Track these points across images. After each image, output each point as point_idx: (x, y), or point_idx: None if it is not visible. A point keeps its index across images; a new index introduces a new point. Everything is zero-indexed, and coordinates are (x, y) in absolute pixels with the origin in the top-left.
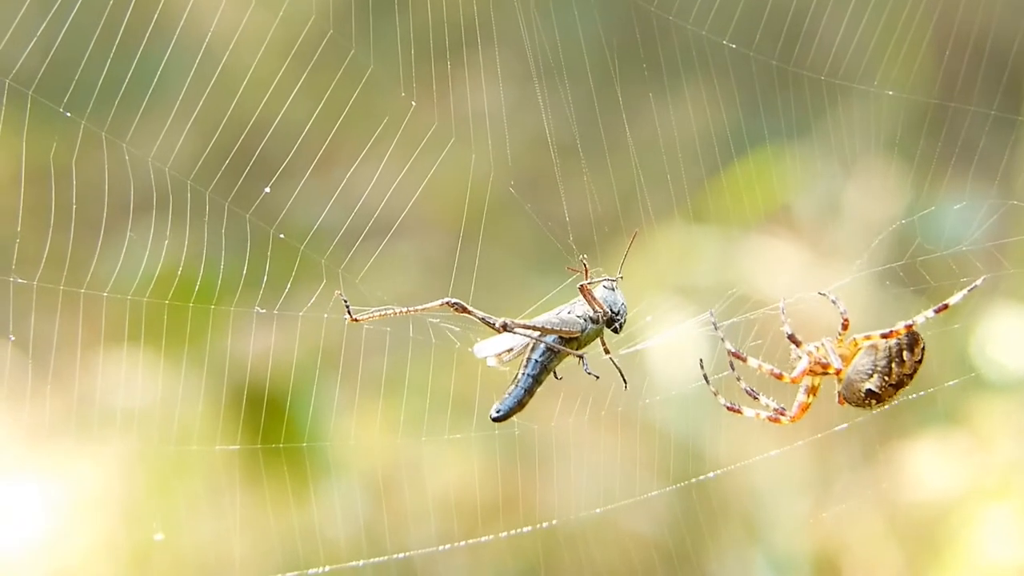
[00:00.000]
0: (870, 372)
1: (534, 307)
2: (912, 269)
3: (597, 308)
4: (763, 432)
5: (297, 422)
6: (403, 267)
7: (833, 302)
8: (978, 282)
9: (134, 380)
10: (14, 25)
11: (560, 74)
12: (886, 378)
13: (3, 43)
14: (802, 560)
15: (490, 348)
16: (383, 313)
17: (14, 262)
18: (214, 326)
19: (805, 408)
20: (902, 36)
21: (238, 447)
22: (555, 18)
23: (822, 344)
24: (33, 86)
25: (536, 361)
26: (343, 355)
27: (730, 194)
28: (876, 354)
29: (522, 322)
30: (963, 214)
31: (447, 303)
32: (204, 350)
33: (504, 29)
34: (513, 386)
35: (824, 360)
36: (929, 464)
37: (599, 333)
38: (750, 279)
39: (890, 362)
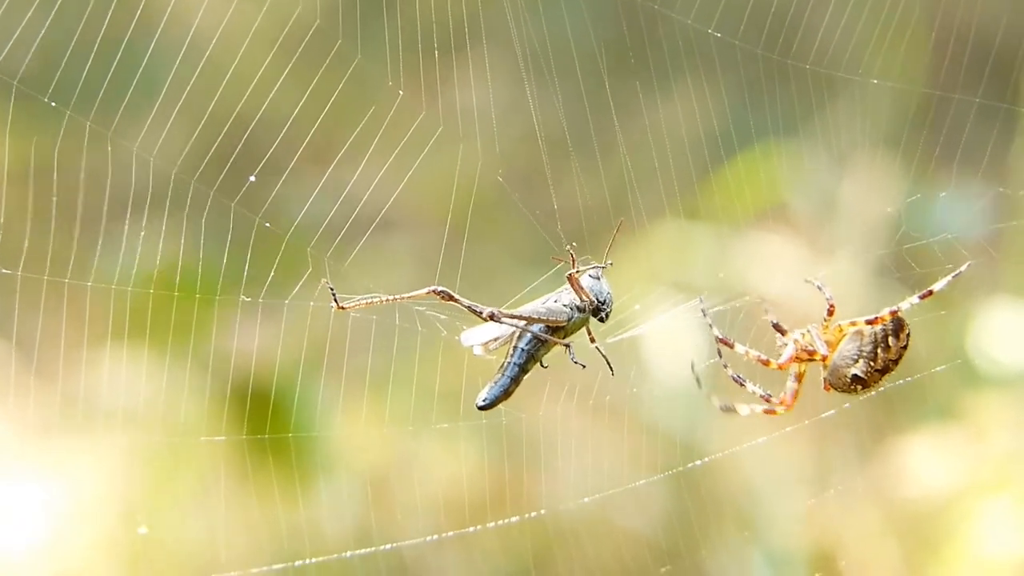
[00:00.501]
0: (856, 358)
1: (518, 296)
2: (899, 257)
3: (584, 297)
4: (752, 423)
5: (287, 415)
6: (391, 260)
7: (819, 288)
8: (962, 268)
9: (119, 374)
10: None
11: (548, 65)
12: (872, 363)
13: None
14: (798, 556)
15: (476, 337)
16: (369, 301)
17: None
18: (200, 317)
19: (795, 395)
20: (886, 25)
21: (224, 438)
22: (542, 9)
23: (808, 331)
24: (17, 76)
25: (522, 350)
26: (328, 344)
27: (722, 190)
28: (861, 340)
29: (509, 312)
30: (949, 202)
31: (433, 291)
32: (189, 342)
33: (491, 21)
34: (499, 375)
35: (810, 347)
36: (925, 459)
37: (585, 322)
38: (744, 274)
39: (875, 348)
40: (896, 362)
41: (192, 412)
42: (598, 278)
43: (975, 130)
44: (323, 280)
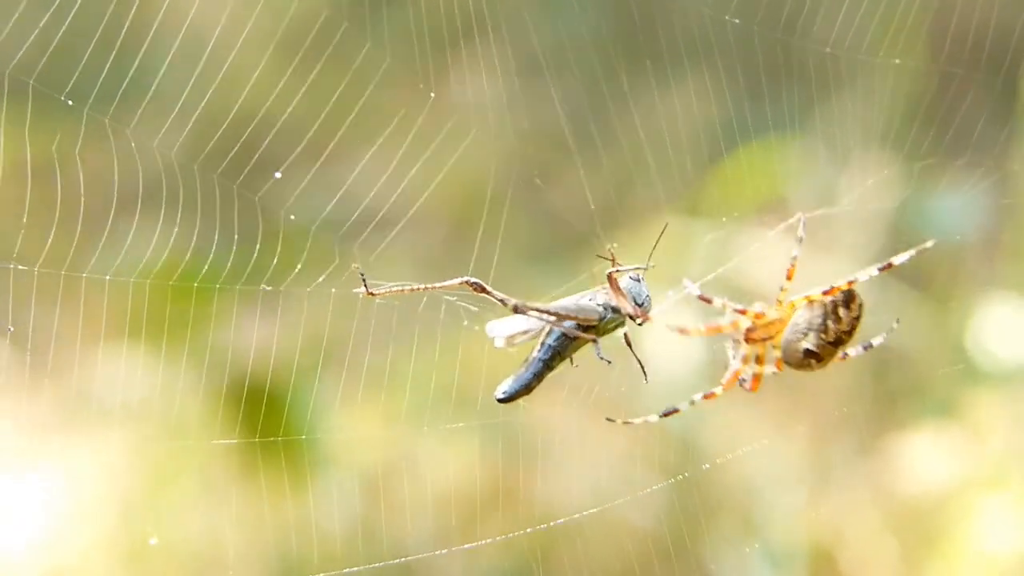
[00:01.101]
0: (805, 331)
1: (553, 295)
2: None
3: (620, 299)
4: (755, 424)
5: (295, 414)
6: (410, 259)
7: (799, 239)
8: (927, 244)
9: (125, 371)
10: (15, 17)
11: (554, 61)
12: (822, 335)
13: (2, 35)
14: (798, 552)
15: (502, 329)
16: (400, 288)
17: (15, 252)
18: (215, 311)
19: (758, 379)
20: (904, 15)
21: (235, 440)
22: (550, 4)
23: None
24: (33, 76)
25: (549, 346)
26: (351, 337)
27: (722, 184)
28: (811, 312)
29: (536, 305)
30: (952, 183)
31: (466, 282)
32: (202, 338)
33: (500, 16)
34: (523, 369)
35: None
36: (925, 456)
37: (619, 324)
38: (746, 269)
39: (826, 319)
40: (849, 333)
41: (198, 411)
42: (638, 280)
43: (989, 119)
44: (353, 265)
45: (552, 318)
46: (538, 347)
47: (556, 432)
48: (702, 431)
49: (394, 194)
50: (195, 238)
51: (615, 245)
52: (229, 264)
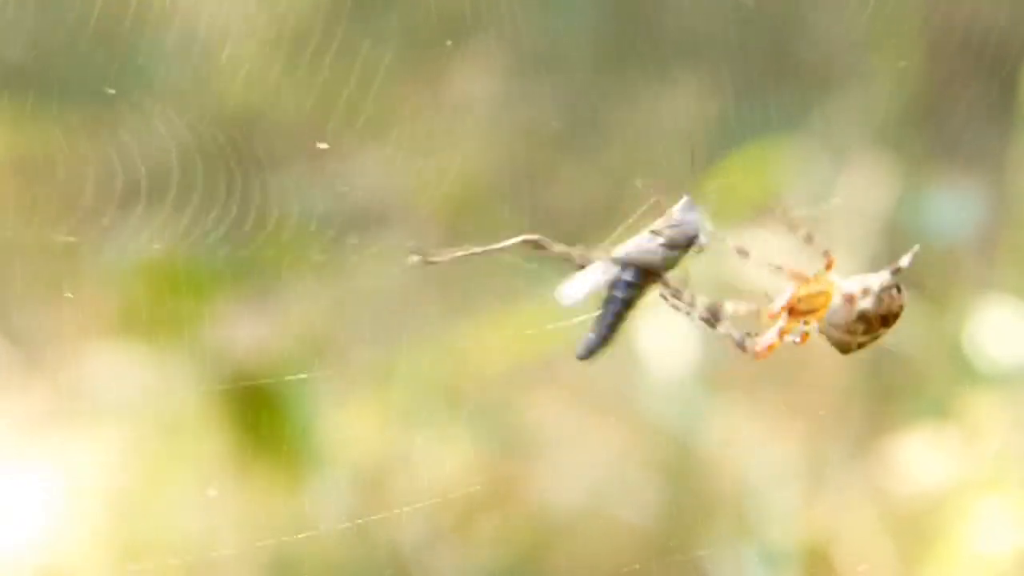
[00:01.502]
0: (861, 292)
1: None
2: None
3: (675, 231)
4: (753, 421)
5: (292, 412)
6: (399, 258)
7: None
8: (916, 248)
9: (125, 368)
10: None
11: (562, 57)
12: (880, 303)
13: None
14: (793, 552)
15: (576, 289)
16: (460, 254)
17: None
18: (210, 310)
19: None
20: (904, 11)
21: (228, 438)
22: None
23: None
24: (16, 66)
25: (618, 297)
26: (349, 335)
27: (719, 183)
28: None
29: (608, 255)
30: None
31: (526, 240)
32: (200, 335)
33: (500, 13)
34: (598, 324)
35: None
36: (921, 456)
37: (679, 259)
38: (743, 270)
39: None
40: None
41: (192, 408)
42: (689, 208)
43: (979, 112)
44: (409, 245)
45: (617, 267)
46: (607, 300)
47: (553, 430)
48: (699, 430)
49: (391, 191)
50: (189, 232)
51: (649, 182)
52: (224, 259)
